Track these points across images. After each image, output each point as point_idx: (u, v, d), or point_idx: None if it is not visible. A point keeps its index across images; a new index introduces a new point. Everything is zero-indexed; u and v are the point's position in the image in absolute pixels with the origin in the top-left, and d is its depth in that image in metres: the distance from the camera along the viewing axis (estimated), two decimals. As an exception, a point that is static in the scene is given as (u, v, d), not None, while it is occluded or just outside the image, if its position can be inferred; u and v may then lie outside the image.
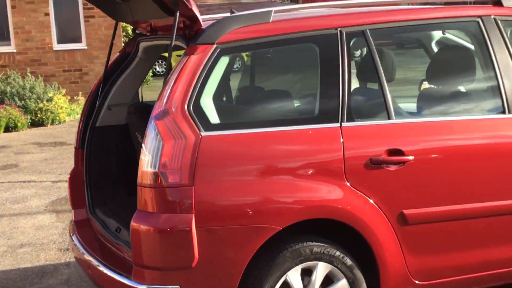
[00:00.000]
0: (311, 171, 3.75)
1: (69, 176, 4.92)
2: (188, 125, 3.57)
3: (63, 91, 15.26)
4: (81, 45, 16.50)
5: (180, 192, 3.54)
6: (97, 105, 4.83)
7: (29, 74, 14.97)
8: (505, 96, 4.25)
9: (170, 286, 3.60)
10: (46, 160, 10.38)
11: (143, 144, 3.63)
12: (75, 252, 4.54)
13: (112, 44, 4.79)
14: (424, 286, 4.13)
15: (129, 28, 19.60)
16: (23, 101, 14.17)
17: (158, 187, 3.55)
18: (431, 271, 4.13)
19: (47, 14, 16.20)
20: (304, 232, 3.92)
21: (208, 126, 3.63)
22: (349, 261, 3.89)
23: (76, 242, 4.52)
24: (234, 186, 3.62)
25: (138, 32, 4.80)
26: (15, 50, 16.14)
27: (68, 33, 16.59)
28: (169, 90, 3.64)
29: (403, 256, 4.00)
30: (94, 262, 4.18)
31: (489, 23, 4.32)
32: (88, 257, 4.25)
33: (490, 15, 4.36)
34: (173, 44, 3.74)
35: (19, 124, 13.54)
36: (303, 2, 33.17)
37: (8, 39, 16.16)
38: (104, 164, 4.85)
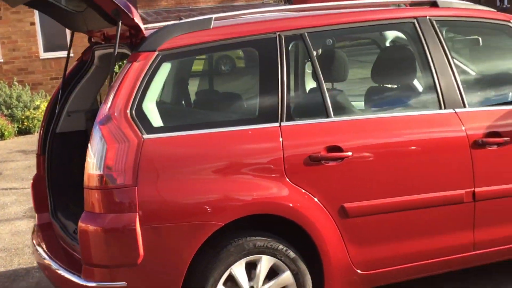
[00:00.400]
0: (251, 169, 3.94)
1: (31, 181, 5.09)
2: (130, 128, 3.75)
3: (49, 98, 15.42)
4: (68, 53, 16.66)
5: (124, 193, 3.72)
6: (56, 111, 5.00)
7: (16, 83, 15.14)
8: (440, 93, 4.44)
9: (117, 283, 3.78)
10: (29, 167, 10.56)
11: (89, 148, 3.82)
12: (36, 256, 4.71)
13: (69, 53, 4.98)
14: (367, 276, 4.30)
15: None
16: (10, 110, 14.35)
17: (103, 189, 3.73)
18: (374, 261, 4.30)
19: (32, 24, 16.39)
20: (251, 227, 4.09)
21: (151, 129, 3.81)
22: (292, 254, 4.06)
23: (37, 247, 4.69)
24: (176, 186, 3.80)
25: (94, 41, 4.98)
26: (2, 60, 16.34)
27: (54, 41, 16.77)
28: (112, 96, 3.83)
29: (345, 247, 4.18)
30: (53, 265, 4.34)
31: (424, 24, 4.51)
32: (47, 261, 4.42)
33: (426, 16, 4.54)
34: (116, 53, 3.92)
35: (5, 133, 13.72)
36: (295, 3, 33.29)
37: (-5, 49, 16.36)
38: (65, 169, 5.02)
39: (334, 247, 4.15)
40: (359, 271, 4.27)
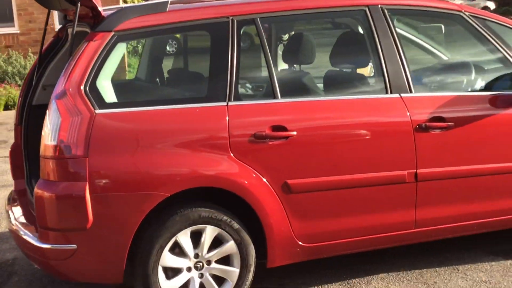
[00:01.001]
0: (197, 145, 4.23)
1: (10, 150, 5.42)
2: (83, 103, 4.06)
3: (63, 70, 15.80)
4: (83, 26, 17.03)
5: (75, 163, 4.04)
6: (33, 84, 5.32)
7: (30, 54, 15.51)
8: (387, 78, 4.68)
9: (69, 245, 4.11)
10: (34, 136, 10.90)
11: (45, 120, 4.13)
12: (7, 221, 5.04)
13: (45, 30, 5.27)
14: (309, 248, 4.59)
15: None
16: (23, 80, 14.73)
17: (57, 158, 4.05)
18: (316, 234, 4.58)
19: None
20: (201, 199, 4.38)
21: (103, 104, 4.12)
22: (236, 225, 4.36)
23: (9, 212, 5.01)
24: (125, 158, 4.11)
25: (69, 18, 5.27)
26: (18, 31, 16.71)
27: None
28: (69, 73, 4.13)
29: (288, 221, 4.46)
30: (18, 229, 4.65)
31: (375, 12, 4.75)
32: (14, 225, 4.74)
33: (377, 4, 4.78)
34: (75, 31, 4.22)
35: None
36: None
37: (12, 20, 16.72)
38: (40, 139, 5.33)
39: (277, 220, 4.42)
40: (301, 243, 4.54)
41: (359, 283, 4.91)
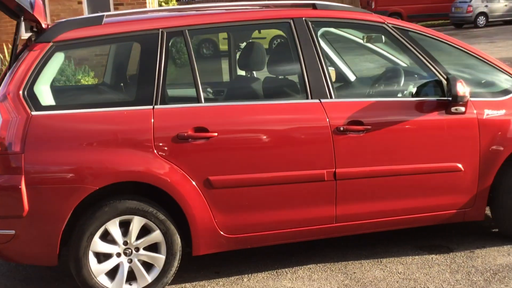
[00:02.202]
0: (123, 144, 4.75)
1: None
2: (21, 106, 4.63)
3: (92, 73, 16.51)
4: (112, 31, 17.78)
5: (13, 158, 4.61)
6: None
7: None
8: (308, 84, 5.14)
9: (7, 231, 4.68)
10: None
11: None
12: None
13: (15, 38, 5.85)
14: (232, 238, 5.06)
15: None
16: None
17: None
18: (239, 226, 5.05)
19: (80, 2, 17.52)
20: (133, 193, 4.90)
21: (39, 107, 4.68)
22: (161, 216, 4.86)
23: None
24: (58, 154, 4.67)
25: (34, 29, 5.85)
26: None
27: (100, 20, 17.81)
28: (10, 78, 4.71)
29: (211, 213, 4.95)
30: None
31: (299, 24, 5.21)
32: None
33: (302, 17, 5.24)
34: (17, 42, 4.80)
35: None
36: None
37: (46, 25, 17.54)
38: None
39: (200, 213, 4.92)
40: (224, 234, 5.02)
41: (286, 272, 5.35)
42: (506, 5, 33.69)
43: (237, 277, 5.31)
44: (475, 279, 5.04)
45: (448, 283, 5.00)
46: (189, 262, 5.50)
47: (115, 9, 17.65)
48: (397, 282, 5.08)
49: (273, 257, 5.64)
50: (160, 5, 23.82)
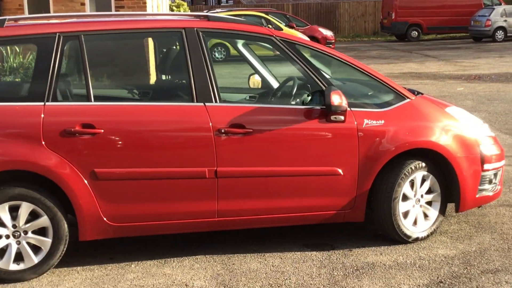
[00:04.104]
0: (14, 136, 5.27)
1: None
2: None
3: None
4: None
5: None
6: None
7: (61, 57, 16.90)
8: (194, 89, 5.61)
9: None
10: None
11: None
12: None
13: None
14: (118, 227, 5.54)
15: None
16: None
17: None
18: (123, 216, 5.53)
19: (83, 4, 18.15)
20: (20, 180, 5.37)
21: None
22: (49, 203, 5.36)
23: None
24: None
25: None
26: None
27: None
28: None
29: (97, 203, 5.43)
30: None
31: (190, 33, 5.68)
32: None
33: (193, 27, 5.72)
34: None
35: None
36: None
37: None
38: None
39: (86, 202, 5.41)
40: (110, 223, 5.50)
41: (173, 261, 5.82)
42: (525, 20, 33.73)
43: (127, 263, 5.77)
44: (335, 274, 5.46)
45: (309, 276, 5.43)
46: (90, 248, 6.00)
47: (116, 11, 18.26)
48: (265, 273, 5.51)
49: (169, 246, 6.12)
50: (171, 9, 24.43)
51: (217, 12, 27.39)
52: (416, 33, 36.51)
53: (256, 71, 7.06)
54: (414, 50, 30.23)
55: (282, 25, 27.17)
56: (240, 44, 7.07)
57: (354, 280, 5.33)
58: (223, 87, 6.31)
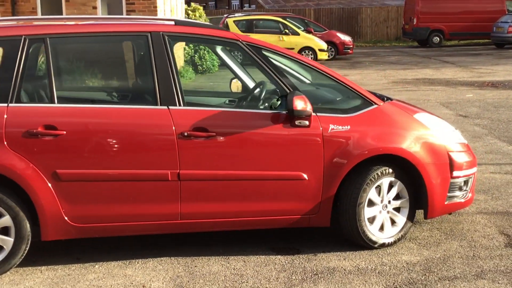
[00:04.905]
0: (-24, 136, 5.36)
1: None
2: None
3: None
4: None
5: None
6: None
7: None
8: (158, 92, 5.67)
9: None
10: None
11: None
12: None
13: None
14: (80, 228, 5.61)
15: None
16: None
17: None
18: (85, 217, 5.60)
19: (94, 8, 18.36)
20: None
21: None
22: (11, 202, 5.44)
23: None
24: None
25: None
26: None
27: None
28: None
29: (59, 203, 5.51)
30: None
31: (156, 37, 5.75)
32: None
33: (159, 31, 5.78)
34: None
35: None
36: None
37: (62, 28, 18.43)
38: None
39: (48, 202, 5.48)
40: (72, 223, 5.57)
41: (138, 262, 5.88)
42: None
43: (92, 263, 5.85)
44: (293, 278, 5.48)
45: (267, 280, 5.46)
46: (59, 248, 6.12)
47: (127, 14, 18.42)
48: (225, 276, 5.55)
49: (138, 247, 6.20)
50: (186, 13, 24.56)
51: (236, 16, 27.51)
52: (438, 39, 36.28)
53: (236, 76, 7.09)
54: (433, 56, 30.07)
55: (299, 30, 27.14)
56: (219, 48, 7.11)
57: (310, 285, 5.34)
58: (206, 91, 6.37)
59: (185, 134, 5.56)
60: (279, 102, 5.87)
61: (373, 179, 5.92)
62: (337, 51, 29.31)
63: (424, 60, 28.29)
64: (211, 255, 6.00)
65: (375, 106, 6.08)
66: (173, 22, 5.96)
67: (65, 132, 5.43)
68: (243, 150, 5.73)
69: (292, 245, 6.23)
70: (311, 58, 26.68)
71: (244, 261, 5.85)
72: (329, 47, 28.51)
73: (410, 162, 6.00)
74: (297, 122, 5.73)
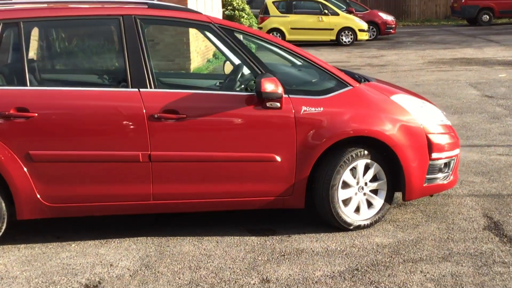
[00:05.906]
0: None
1: None
2: None
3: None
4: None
5: None
6: None
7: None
8: (129, 75, 5.77)
9: None
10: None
11: None
12: None
13: None
14: (54, 207, 5.74)
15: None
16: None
17: None
18: (59, 197, 5.73)
19: None
20: None
21: None
22: (-15, 187, 5.62)
23: None
24: None
25: None
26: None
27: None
28: None
29: (33, 184, 5.66)
30: None
31: (128, 20, 5.83)
32: None
33: (131, 15, 5.87)
34: None
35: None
36: None
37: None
38: None
39: (21, 183, 5.63)
40: (46, 203, 5.72)
41: (114, 241, 6.00)
42: None
43: (69, 242, 5.99)
44: (259, 259, 5.53)
45: (233, 260, 5.52)
46: (40, 227, 6.28)
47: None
48: (192, 256, 5.63)
49: (118, 227, 6.33)
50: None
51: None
52: (488, 17, 35.48)
53: (227, 58, 7.13)
54: (479, 35, 29.49)
55: (339, 10, 26.93)
56: (208, 33, 7.13)
57: (273, 266, 5.38)
58: (200, 74, 6.45)
59: (155, 116, 5.63)
60: (246, 84, 5.89)
61: (347, 161, 5.91)
62: (379, 31, 28.99)
63: (469, 39, 27.77)
64: (186, 235, 6.08)
65: (350, 87, 6.05)
66: (146, 6, 5.99)
67: (36, 114, 5.55)
68: (215, 132, 5.78)
69: (270, 226, 6.27)
70: (351, 38, 26.47)
71: (217, 242, 5.91)
72: (371, 27, 28.21)
73: (385, 143, 5.96)
74: (268, 104, 5.75)
